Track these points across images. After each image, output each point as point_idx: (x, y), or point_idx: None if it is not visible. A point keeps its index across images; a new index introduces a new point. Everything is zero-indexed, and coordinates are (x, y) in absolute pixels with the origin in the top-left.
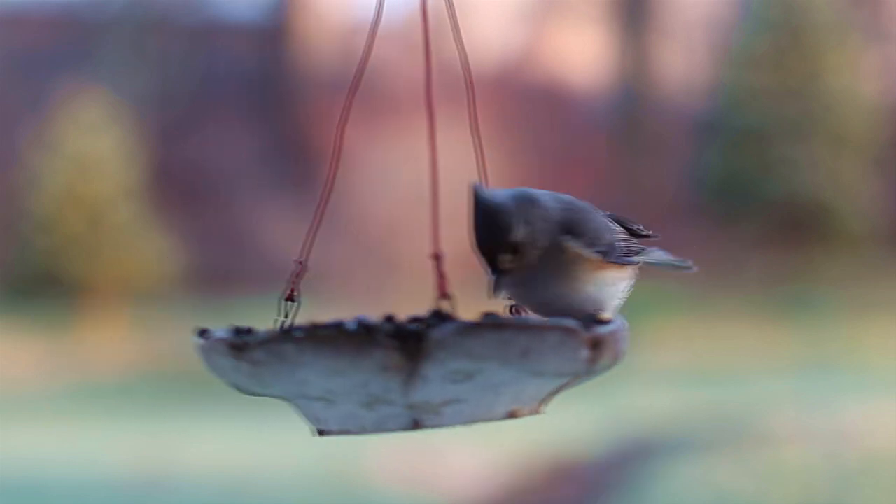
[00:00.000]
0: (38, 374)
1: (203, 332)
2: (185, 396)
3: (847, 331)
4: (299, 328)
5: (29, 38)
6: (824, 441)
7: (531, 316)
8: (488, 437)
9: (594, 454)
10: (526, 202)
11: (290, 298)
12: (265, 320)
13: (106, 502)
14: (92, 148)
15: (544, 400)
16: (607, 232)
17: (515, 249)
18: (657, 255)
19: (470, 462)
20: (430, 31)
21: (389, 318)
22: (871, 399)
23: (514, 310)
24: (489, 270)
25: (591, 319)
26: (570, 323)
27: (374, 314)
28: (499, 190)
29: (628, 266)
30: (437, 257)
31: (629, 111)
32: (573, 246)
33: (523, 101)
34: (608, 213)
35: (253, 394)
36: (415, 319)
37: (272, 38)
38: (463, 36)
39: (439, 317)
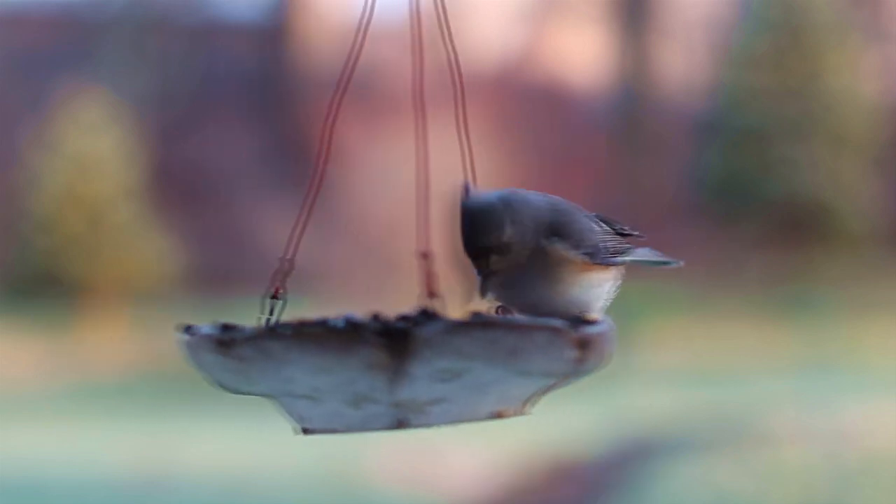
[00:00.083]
0: (38, 374)
1: (188, 329)
2: (185, 396)
3: (847, 331)
4: (286, 325)
5: (29, 38)
6: (824, 441)
7: (518, 316)
8: (488, 437)
9: (594, 454)
10: (513, 203)
11: (276, 296)
12: (264, 320)
13: (106, 502)
14: (92, 148)
15: (530, 400)
16: (593, 233)
17: (502, 250)
18: (642, 253)
19: (470, 462)
20: (424, 30)
21: (376, 316)
22: (871, 399)
23: (500, 310)
24: (476, 271)
25: (579, 320)
26: (558, 323)
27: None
28: (486, 190)
29: (613, 267)
30: (425, 256)
31: (629, 111)
32: (559, 248)
33: (523, 101)
34: (594, 213)
35: (237, 392)
36: (403, 317)
37: (272, 38)
38: (463, 36)
39: (427, 315)
